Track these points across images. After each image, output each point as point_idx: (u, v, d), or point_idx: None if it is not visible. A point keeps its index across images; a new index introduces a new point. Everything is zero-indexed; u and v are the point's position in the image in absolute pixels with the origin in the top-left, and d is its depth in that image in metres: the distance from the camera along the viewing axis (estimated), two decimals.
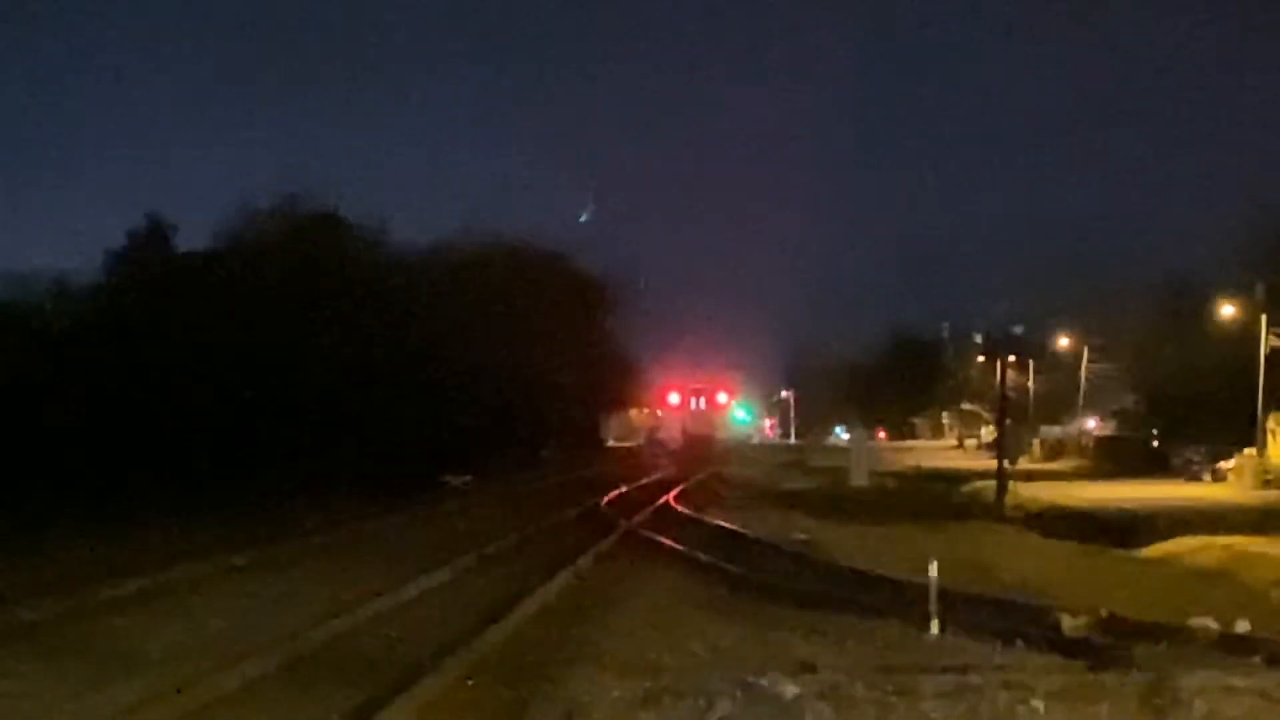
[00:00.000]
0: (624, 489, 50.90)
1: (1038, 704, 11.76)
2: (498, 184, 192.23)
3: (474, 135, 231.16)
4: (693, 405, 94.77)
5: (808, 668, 14.26)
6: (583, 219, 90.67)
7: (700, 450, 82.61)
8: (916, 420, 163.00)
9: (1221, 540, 37.25)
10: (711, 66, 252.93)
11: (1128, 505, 51.54)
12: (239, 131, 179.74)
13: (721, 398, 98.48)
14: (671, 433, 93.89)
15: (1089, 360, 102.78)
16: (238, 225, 61.21)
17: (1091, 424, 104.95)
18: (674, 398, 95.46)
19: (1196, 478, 69.72)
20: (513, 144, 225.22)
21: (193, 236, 62.03)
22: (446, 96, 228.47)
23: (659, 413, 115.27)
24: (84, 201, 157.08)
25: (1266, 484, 61.35)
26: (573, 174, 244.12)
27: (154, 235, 60.08)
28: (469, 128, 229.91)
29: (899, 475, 77.86)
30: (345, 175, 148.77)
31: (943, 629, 18.07)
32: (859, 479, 64.26)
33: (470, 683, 14.45)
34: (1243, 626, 19.62)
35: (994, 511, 50.93)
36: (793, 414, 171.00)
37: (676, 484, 56.00)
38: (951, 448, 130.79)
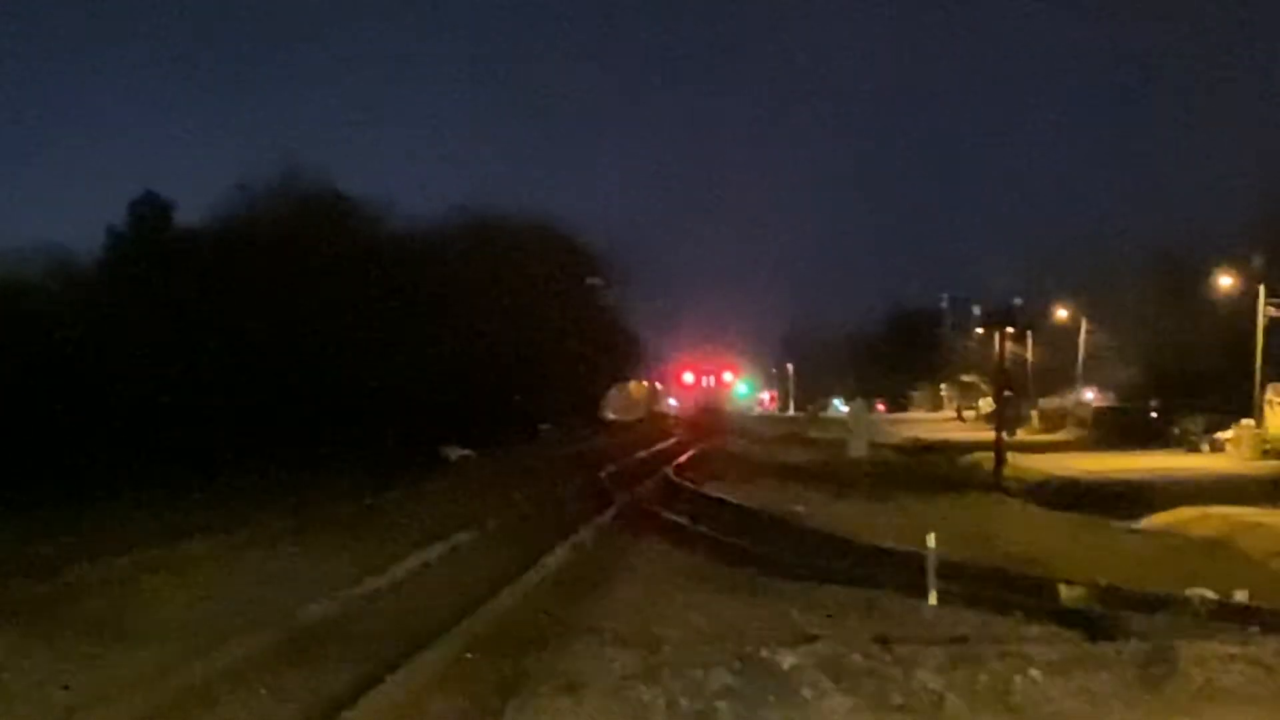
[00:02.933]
0: (623, 462, 50.94)
1: (1035, 674, 11.78)
2: (496, 159, 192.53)
3: (474, 111, 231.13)
4: (704, 383, 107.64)
5: (806, 639, 14.27)
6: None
7: (710, 420, 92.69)
8: (915, 392, 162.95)
9: (1219, 511, 37.33)
10: (709, 37, 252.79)
11: (1126, 476, 51.73)
12: (238, 108, 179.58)
13: (728, 376, 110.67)
14: (686, 406, 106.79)
15: (1087, 332, 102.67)
16: (237, 202, 61.26)
17: (1090, 395, 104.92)
18: (688, 377, 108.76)
19: (1195, 448, 69.85)
20: (512, 119, 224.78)
21: (192, 213, 62.06)
22: (446, 72, 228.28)
23: (658, 386, 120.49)
24: (83, 179, 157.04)
25: (1265, 454, 61.46)
26: (572, 148, 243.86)
27: (153, 212, 60.03)
28: (469, 103, 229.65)
29: (898, 447, 77.97)
30: (344, 151, 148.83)
31: (941, 600, 18.11)
32: (857, 451, 63.87)
33: (470, 656, 14.48)
34: (1241, 596, 19.69)
35: (993, 483, 50.98)
36: (791, 386, 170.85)
37: (675, 457, 56.06)
38: (950, 419, 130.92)
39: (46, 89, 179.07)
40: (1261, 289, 69.00)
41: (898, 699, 11.19)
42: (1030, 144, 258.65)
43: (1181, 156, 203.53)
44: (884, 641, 13.69)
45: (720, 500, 36.66)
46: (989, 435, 62.41)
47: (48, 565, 20.67)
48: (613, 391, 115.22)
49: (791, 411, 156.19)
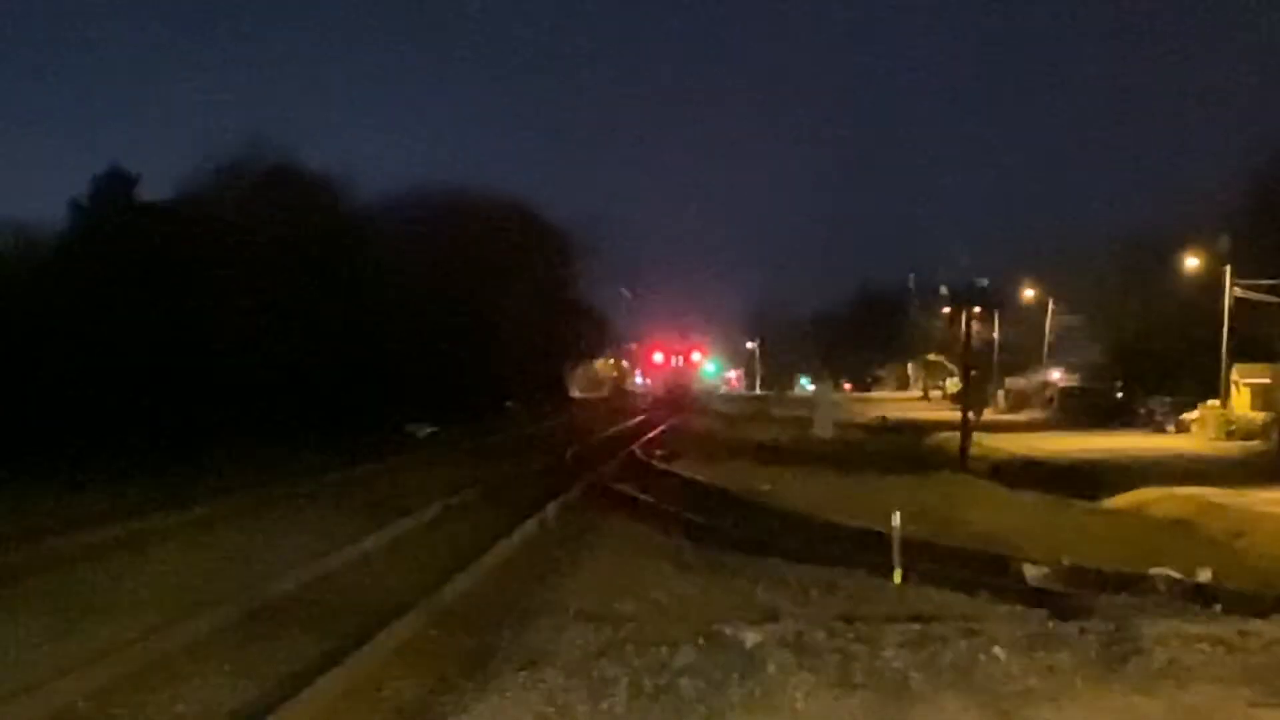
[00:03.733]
0: (589, 440, 50.93)
1: (999, 652, 11.77)
2: (464, 136, 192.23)
3: (440, 85, 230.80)
4: (673, 362, 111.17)
5: (770, 616, 14.27)
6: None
7: (678, 397, 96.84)
8: (881, 371, 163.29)
9: (1184, 491, 37.51)
10: (679, 18, 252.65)
11: (1091, 456, 51.95)
12: (202, 82, 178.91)
13: (696, 357, 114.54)
14: (656, 385, 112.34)
15: (1054, 312, 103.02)
16: (200, 176, 60.99)
17: (1056, 375, 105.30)
18: (658, 357, 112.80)
19: (1160, 429, 70.30)
20: (477, 93, 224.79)
21: (155, 187, 61.72)
22: (408, 46, 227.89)
23: (625, 364, 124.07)
24: (47, 152, 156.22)
25: (1229, 435, 61.86)
26: (536, 124, 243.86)
27: (116, 186, 59.63)
28: (435, 78, 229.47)
29: (864, 426, 78.30)
30: (308, 126, 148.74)
31: (906, 579, 18.12)
32: (823, 430, 64.40)
33: (433, 632, 14.45)
34: (1204, 576, 19.76)
35: (958, 462, 51.07)
36: (758, 365, 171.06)
37: (641, 435, 56.06)
38: (916, 399, 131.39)
39: (8, 63, 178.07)
40: (1228, 270, 69.22)
41: (861, 677, 11.17)
42: (999, 125, 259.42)
43: (1150, 138, 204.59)
44: (848, 620, 13.69)
45: (686, 478, 36.65)
46: (955, 415, 62.61)
47: (11, 541, 20.55)
48: (579, 369, 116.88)
49: (758, 391, 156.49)
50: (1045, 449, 57.25)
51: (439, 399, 59.57)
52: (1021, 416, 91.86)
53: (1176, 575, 19.38)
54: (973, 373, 65.68)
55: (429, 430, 54.48)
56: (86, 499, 27.22)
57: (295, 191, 60.96)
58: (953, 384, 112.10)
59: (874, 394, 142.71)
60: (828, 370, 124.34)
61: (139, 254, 50.92)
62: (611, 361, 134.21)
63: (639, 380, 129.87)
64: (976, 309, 74.28)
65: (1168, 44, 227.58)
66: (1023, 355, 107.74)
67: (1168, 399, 74.59)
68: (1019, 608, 16.49)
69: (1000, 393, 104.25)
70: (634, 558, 20.87)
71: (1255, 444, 57.35)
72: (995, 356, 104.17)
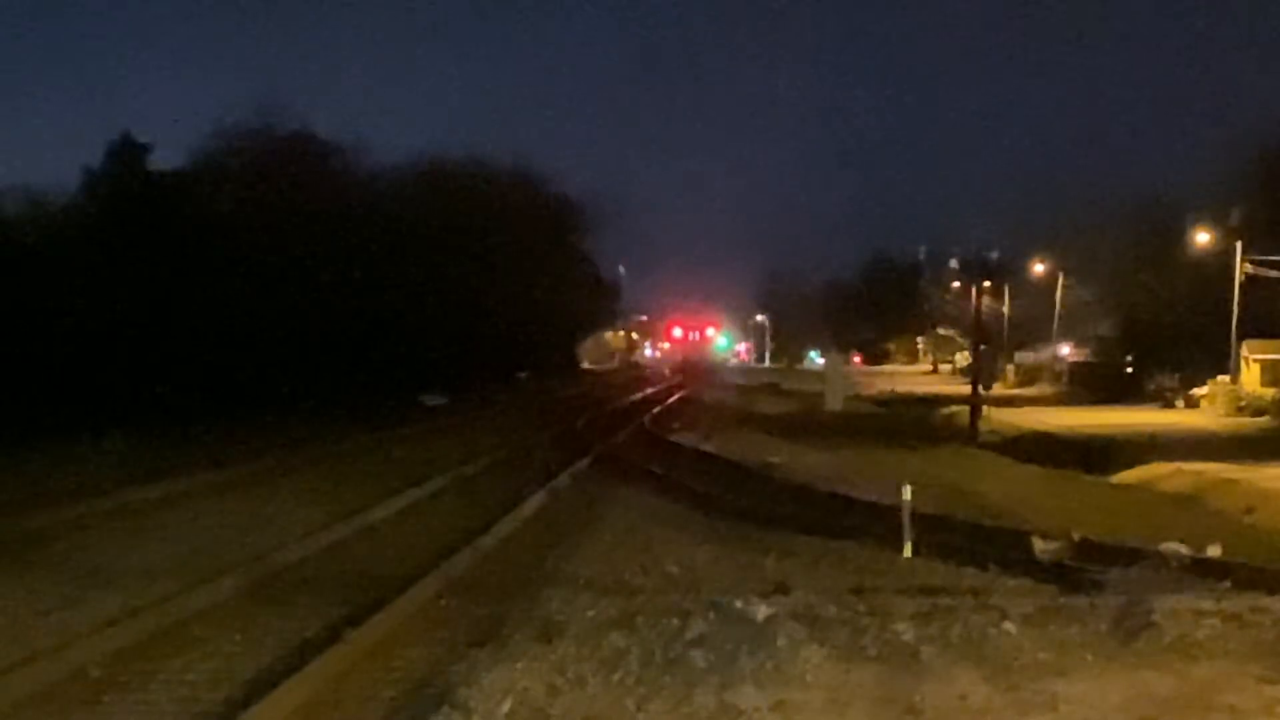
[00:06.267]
0: (599, 411, 50.93)
1: (1009, 626, 11.79)
2: (475, 104, 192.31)
3: (452, 54, 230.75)
4: (690, 337, 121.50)
5: (781, 589, 14.29)
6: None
7: (694, 369, 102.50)
8: (891, 345, 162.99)
9: (1193, 466, 37.41)
10: None
11: (1101, 431, 51.85)
12: (215, 49, 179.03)
13: (710, 332, 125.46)
14: (675, 357, 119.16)
15: (1064, 286, 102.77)
16: (213, 144, 60.99)
17: (1066, 350, 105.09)
18: (678, 332, 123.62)
19: (1170, 404, 70.13)
20: (491, 63, 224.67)
21: (170, 156, 61.75)
22: (420, 15, 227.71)
23: (634, 336, 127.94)
24: (59, 118, 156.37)
25: (1239, 411, 61.70)
26: (551, 96, 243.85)
27: (130, 154, 59.64)
28: (447, 47, 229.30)
29: (874, 399, 78.22)
30: (321, 94, 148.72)
31: (916, 552, 18.12)
32: (833, 403, 64.23)
33: (444, 602, 14.47)
34: (1214, 551, 19.72)
35: (968, 436, 51.03)
36: (768, 338, 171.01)
37: (652, 406, 56.06)
38: (926, 372, 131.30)
39: (23, 30, 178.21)
40: (1239, 245, 68.99)
41: (872, 650, 11.19)
42: (1011, 97, 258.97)
43: (1161, 108, 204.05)
44: (859, 592, 13.71)
45: (696, 450, 36.62)
46: (965, 388, 62.51)
47: (22, 507, 20.60)
48: (589, 341, 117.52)
49: (768, 363, 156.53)
50: (1055, 423, 57.16)
51: (451, 369, 59.66)
52: (1031, 391, 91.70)
53: (1187, 550, 19.35)
54: (983, 347, 65.57)
55: (440, 400, 54.55)
56: (98, 466, 27.30)
57: (307, 160, 60.99)
58: (962, 358, 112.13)
59: (884, 367, 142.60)
60: (837, 343, 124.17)
61: (151, 221, 50.99)
62: (621, 334, 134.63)
63: (648, 352, 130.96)
64: (987, 282, 74.22)
65: (1179, 16, 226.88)
66: (1033, 329, 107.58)
67: (1178, 374, 74.42)
68: (1029, 581, 16.48)
69: (1010, 367, 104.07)
70: (644, 528, 20.87)
71: (1265, 420, 57.23)
72: (1005, 330, 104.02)
